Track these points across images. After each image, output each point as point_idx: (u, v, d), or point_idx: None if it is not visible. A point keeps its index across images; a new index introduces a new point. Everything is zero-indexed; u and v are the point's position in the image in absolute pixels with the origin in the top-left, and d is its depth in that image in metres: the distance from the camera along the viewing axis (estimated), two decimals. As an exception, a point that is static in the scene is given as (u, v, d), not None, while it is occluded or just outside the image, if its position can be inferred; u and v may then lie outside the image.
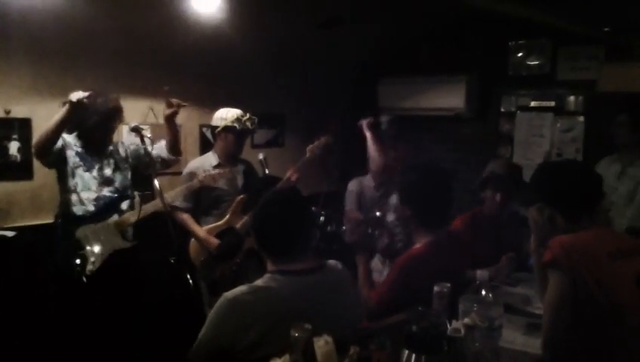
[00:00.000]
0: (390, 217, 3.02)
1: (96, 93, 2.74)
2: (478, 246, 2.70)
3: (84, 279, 2.79)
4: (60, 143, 2.76)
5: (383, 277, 2.50)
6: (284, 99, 4.59)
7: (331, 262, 1.93)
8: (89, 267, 2.82)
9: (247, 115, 3.29)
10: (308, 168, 3.37)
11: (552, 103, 4.17)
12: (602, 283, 1.63)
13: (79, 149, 2.88)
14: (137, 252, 3.03)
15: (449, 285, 1.89)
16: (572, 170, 1.95)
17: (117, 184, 2.98)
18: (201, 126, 4.11)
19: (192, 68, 3.88)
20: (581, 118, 4.05)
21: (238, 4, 3.24)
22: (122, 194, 3.00)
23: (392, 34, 4.47)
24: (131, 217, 2.94)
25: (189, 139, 4.08)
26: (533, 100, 4.27)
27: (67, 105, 2.60)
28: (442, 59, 4.59)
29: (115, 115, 2.90)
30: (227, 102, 3.45)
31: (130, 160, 3.07)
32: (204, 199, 3.31)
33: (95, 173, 2.91)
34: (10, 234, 3.09)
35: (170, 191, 3.06)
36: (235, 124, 3.24)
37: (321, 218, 3.93)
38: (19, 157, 3.24)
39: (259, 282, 1.76)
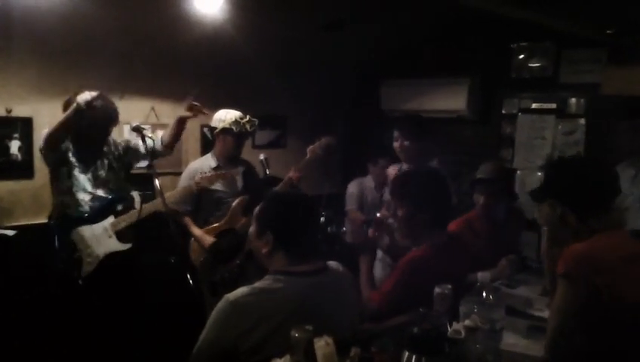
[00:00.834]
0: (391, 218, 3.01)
1: (102, 94, 2.76)
2: (475, 248, 2.69)
3: (80, 281, 2.80)
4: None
5: (385, 279, 2.49)
6: (287, 100, 4.58)
7: (332, 263, 1.93)
8: (85, 268, 2.82)
9: (247, 117, 3.26)
10: (309, 169, 3.36)
11: (554, 106, 4.16)
12: (615, 289, 1.60)
13: (75, 151, 2.89)
14: (136, 253, 3.02)
15: (450, 286, 1.88)
16: (585, 166, 1.86)
17: (111, 185, 2.99)
18: (203, 126, 4.11)
19: (194, 68, 3.88)
20: (583, 121, 4.04)
21: (241, 5, 3.25)
22: (117, 194, 3.00)
23: (394, 36, 4.47)
24: (131, 217, 2.94)
25: (190, 140, 4.08)
26: (535, 102, 4.26)
27: (75, 106, 2.62)
28: (445, 61, 4.59)
29: (112, 118, 2.91)
30: (229, 103, 3.44)
31: (124, 157, 3.07)
32: (205, 201, 3.30)
33: (90, 174, 2.92)
34: (10, 233, 3.09)
35: (170, 192, 3.05)
36: (233, 127, 3.22)
37: (322, 219, 3.93)
38: (20, 156, 3.25)
39: (260, 283, 1.74)
